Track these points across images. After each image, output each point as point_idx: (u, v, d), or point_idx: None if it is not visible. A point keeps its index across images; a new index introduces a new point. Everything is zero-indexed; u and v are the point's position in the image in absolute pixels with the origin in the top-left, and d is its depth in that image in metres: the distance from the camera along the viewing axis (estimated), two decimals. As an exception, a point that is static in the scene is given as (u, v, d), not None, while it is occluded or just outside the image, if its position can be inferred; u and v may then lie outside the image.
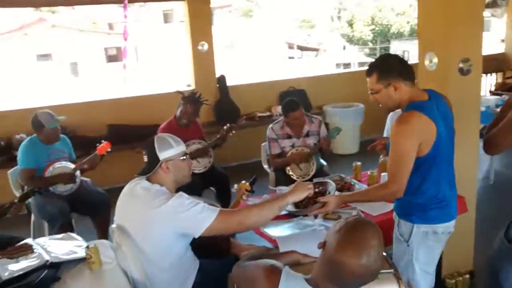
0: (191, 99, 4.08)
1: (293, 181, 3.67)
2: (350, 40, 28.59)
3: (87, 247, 2.46)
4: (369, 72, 2.25)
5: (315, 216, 2.83)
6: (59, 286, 2.32)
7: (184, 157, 2.40)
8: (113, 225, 2.43)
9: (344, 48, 28.12)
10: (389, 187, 2.19)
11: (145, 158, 2.36)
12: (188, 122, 4.09)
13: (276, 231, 2.72)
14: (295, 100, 3.97)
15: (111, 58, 26.43)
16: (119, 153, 4.94)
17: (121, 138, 5.18)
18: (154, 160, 2.31)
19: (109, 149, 3.69)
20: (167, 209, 2.18)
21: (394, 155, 2.17)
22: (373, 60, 2.43)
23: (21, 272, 2.34)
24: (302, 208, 2.80)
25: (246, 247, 2.65)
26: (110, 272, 2.41)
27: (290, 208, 2.79)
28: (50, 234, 3.54)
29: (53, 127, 3.63)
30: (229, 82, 6.03)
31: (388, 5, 27.97)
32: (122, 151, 5.08)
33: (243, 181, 2.62)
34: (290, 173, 3.88)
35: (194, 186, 3.04)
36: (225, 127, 4.16)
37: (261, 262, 1.82)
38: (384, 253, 1.72)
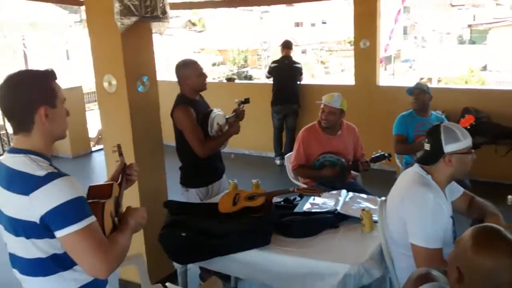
0: None
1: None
2: None
3: (363, 210, 2.73)
4: None
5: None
6: (331, 231, 2.72)
7: (469, 152, 2.26)
8: (383, 198, 2.59)
9: None
10: None
11: (427, 147, 2.34)
12: None
13: None
14: None
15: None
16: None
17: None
18: (437, 151, 2.28)
19: (472, 122, 3.57)
20: (414, 197, 2.23)
21: None
22: None
23: (317, 210, 2.92)
24: None
25: None
26: (373, 239, 2.60)
27: None
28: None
29: None
30: None
31: None
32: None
33: None
34: None
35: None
36: None
37: (428, 268, 1.69)
38: None
